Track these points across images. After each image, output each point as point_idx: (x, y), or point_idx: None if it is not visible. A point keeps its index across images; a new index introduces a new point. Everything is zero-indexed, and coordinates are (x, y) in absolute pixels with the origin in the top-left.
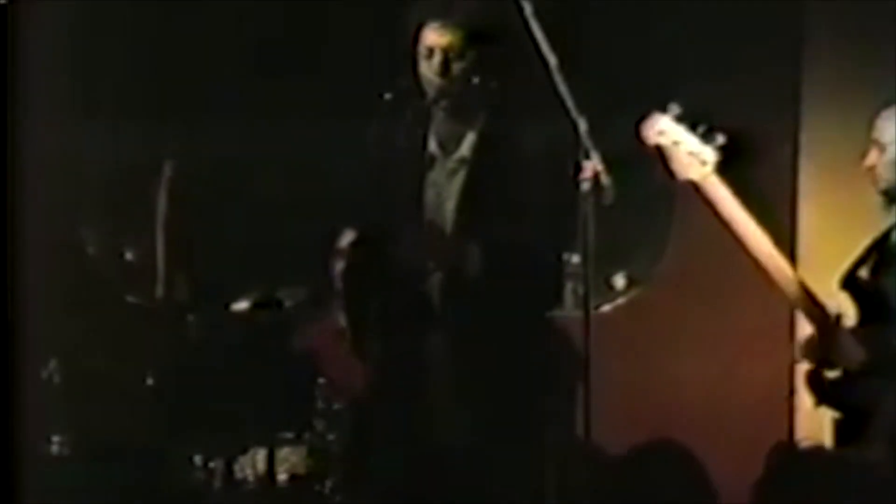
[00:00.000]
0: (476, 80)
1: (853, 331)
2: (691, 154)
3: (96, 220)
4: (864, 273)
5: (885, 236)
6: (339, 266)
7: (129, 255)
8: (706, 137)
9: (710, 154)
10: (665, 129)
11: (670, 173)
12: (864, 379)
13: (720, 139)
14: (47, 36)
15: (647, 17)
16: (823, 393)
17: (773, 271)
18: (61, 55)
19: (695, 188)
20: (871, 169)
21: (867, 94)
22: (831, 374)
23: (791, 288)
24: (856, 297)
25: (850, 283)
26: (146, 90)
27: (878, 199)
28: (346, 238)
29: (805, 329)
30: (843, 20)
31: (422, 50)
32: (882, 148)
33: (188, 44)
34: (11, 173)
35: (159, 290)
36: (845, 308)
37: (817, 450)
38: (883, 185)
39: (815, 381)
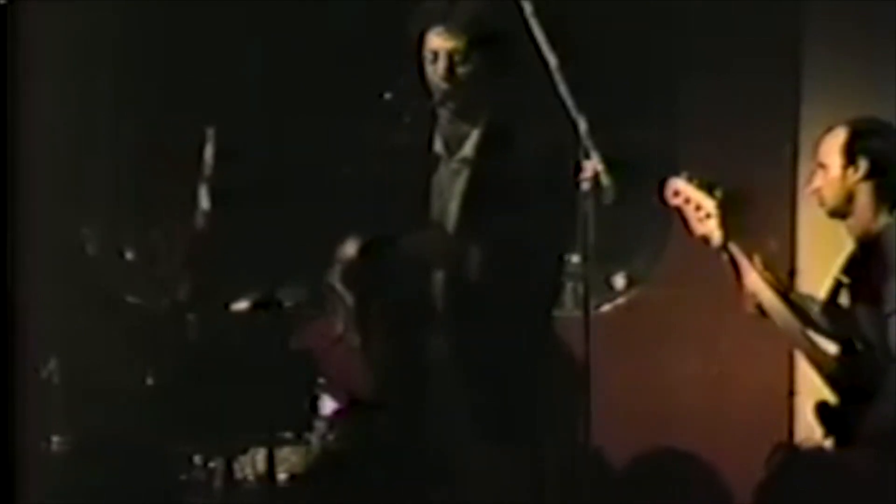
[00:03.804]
0: (480, 82)
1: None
2: (698, 209)
3: (96, 220)
4: (844, 300)
5: (852, 259)
6: (335, 273)
7: (129, 256)
8: (708, 191)
9: (710, 206)
10: (679, 189)
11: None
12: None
13: (718, 193)
14: (47, 36)
15: (646, 18)
16: (832, 424)
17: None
18: (61, 55)
19: (705, 242)
20: (817, 192)
21: (867, 94)
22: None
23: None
24: (836, 324)
25: (829, 311)
26: (146, 90)
27: None
28: (349, 248)
29: None
30: (842, 20)
31: (426, 54)
32: (824, 168)
33: (188, 44)
34: (11, 173)
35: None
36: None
37: (817, 450)
38: (829, 204)
39: (823, 412)
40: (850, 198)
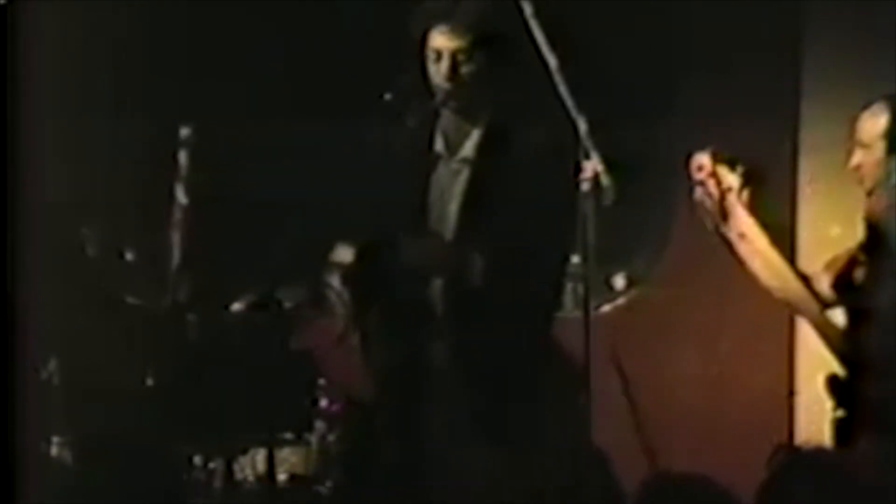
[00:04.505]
0: (483, 82)
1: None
2: (720, 184)
3: (96, 221)
4: (859, 275)
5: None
6: (335, 277)
7: (129, 256)
8: (731, 166)
9: (734, 180)
10: (703, 164)
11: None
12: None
13: (740, 169)
14: (47, 36)
15: (646, 18)
16: (843, 396)
17: (797, 305)
18: (61, 55)
19: (724, 218)
20: (857, 169)
21: (867, 94)
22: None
23: (812, 314)
24: (848, 299)
25: (842, 285)
26: (146, 91)
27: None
28: (342, 253)
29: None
30: (843, 20)
31: (429, 53)
32: (866, 147)
33: (187, 44)
34: (11, 173)
35: (170, 288)
36: (836, 311)
37: (818, 451)
38: (869, 184)
39: (834, 385)
40: (888, 176)
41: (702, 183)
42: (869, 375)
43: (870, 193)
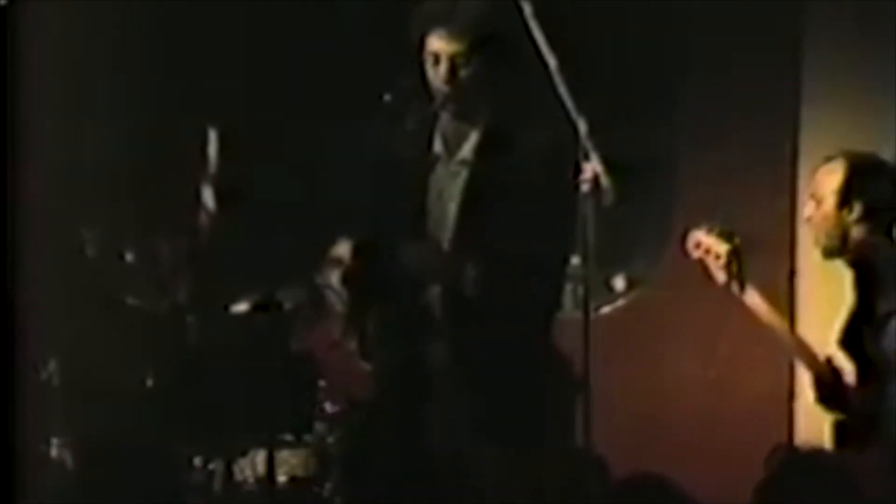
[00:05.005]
0: (481, 84)
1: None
2: (718, 258)
3: (96, 221)
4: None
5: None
6: (333, 274)
7: (129, 257)
8: (725, 237)
9: (723, 248)
10: (699, 241)
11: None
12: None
13: (736, 240)
14: (47, 37)
15: (646, 19)
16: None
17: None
18: (61, 56)
19: (728, 289)
20: (808, 221)
21: (867, 94)
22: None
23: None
24: (854, 354)
25: (848, 340)
26: (145, 91)
27: None
28: (342, 247)
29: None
30: (842, 20)
31: (428, 56)
32: (818, 200)
33: (187, 45)
34: (11, 173)
35: (169, 289)
36: (844, 365)
37: (817, 453)
38: (823, 242)
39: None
40: (844, 235)
41: (701, 260)
42: (880, 422)
43: (828, 254)
